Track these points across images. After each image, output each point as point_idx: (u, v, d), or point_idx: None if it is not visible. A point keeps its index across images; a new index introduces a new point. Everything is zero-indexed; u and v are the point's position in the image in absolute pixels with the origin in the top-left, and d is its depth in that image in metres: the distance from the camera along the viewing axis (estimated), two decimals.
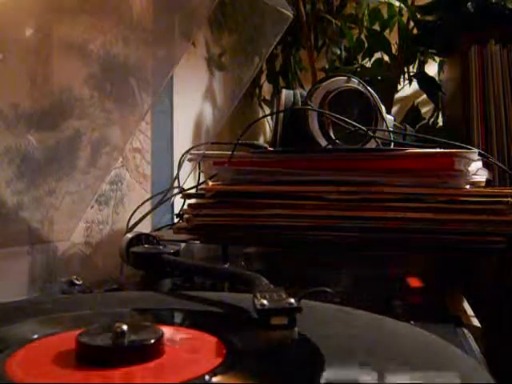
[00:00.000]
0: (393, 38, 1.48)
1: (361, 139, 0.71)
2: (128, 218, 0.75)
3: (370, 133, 0.71)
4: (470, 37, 1.23)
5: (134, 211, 0.77)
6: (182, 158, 0.79)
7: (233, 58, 1.17)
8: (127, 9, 0.69)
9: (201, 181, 0.74)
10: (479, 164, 0.67)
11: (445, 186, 0.62)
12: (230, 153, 0.68)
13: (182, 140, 1.08)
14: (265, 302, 0.33)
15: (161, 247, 0.57)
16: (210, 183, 0.70)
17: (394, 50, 1.47)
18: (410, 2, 1.44)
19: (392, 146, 0.75)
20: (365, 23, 1.48)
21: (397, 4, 1.45)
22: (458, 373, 0.27)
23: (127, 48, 0.69)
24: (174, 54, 0.77)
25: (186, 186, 0.76)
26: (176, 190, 0.77)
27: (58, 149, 0.64)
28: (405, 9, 1.45)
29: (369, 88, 0.75)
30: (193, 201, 0.72)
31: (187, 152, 0.78)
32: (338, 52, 1.50)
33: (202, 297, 0.43)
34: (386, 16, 1.47)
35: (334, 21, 1.46)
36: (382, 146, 0.72)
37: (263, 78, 1.54)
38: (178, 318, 0.41)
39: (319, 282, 0.51)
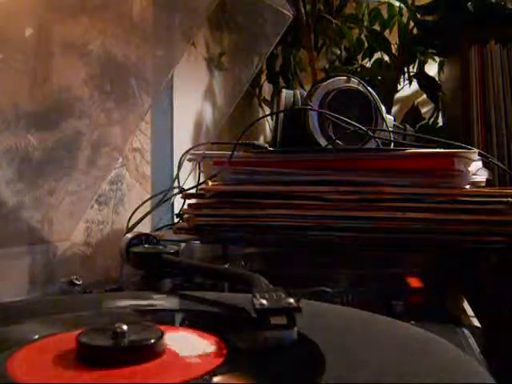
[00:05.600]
0: (393, 38, 1.48)
1: (361, 139, 0.71)
2: (128, 218, 0.75)
3: (370, 133, 0.71)
4: (470, 37, 1.23)
5: (134, 211, 0.76)
6: (181, 158, 0.79)
7: (233, 58, 1.17)
8: (127, 9, 0.69)
9: (201, 181, 0.74)
10: (479, 164, 0.67)
11: (445, 186, 0.62)
12: (230, 153, 0.68)
13: (182, 140, 1.08)
14: (264, 301, 0.33)
15: (161, 247, 0.57)
16: (210, 183, 0.70)
17: (393, 50, 1.47)
18: (409, 1, 1.44)
19: (392, 146, 0.75)
20: (365, 23, 1.48)
21: (397, 4, 1.46)
22: (459, 373, 0.27)
23: (127, 48, 0.69)
24: (174, 54, 0.77)
25: (186, 186, 0.76)
26: (176, 190, 0.77)
27: (57, 149, 0.64)
28: (405, 9, 1.45)
29: (369, 88, 0.75)
30: (193, 201, 0.72)
31: (187, 152, 0.78)
32: (338, 52, 1.50)
33: (201, 297, 0.43)
34: (386, 16, 1.47)
35: (333, 21, 1.46)
36: (382, 146, 0.72)
37: (263, 77, 1.54)
38: (178, 317, 0.41)
39: (319, 282, 0.51)
